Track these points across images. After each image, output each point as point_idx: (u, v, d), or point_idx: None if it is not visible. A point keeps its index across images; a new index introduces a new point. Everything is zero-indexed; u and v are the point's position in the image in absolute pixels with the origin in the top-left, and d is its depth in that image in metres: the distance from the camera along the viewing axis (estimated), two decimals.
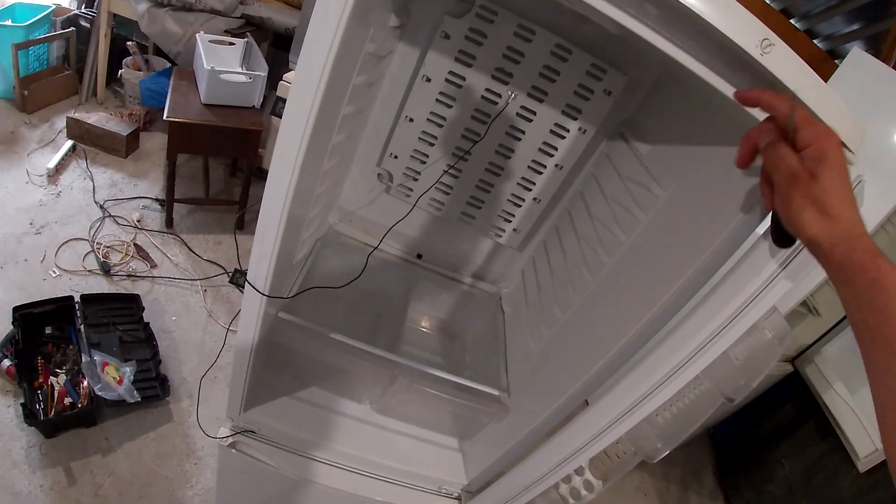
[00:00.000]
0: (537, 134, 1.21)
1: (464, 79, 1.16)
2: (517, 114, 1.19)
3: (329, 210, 1.37)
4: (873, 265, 0.48)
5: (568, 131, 1.21)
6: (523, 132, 1.21)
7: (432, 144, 1.25)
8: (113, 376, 1.74)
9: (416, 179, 1.30)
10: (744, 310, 0.73)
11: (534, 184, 1.28)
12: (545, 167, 1.26)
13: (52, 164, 2.23)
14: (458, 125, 1.21)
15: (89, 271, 2.01)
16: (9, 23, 2.35)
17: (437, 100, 1.19)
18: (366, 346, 1.18)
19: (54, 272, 1.98)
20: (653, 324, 0.87)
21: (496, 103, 1.18)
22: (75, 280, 1.98)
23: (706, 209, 0.85)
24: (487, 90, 1.17)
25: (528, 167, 1.26)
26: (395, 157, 1.27)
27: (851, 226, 0.51)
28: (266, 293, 0.95)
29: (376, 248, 1.29)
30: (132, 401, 1.71)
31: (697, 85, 0.68)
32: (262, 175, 2.29)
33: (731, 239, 0.77)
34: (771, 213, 0.63)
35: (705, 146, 0.92)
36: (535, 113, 1.19)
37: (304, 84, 0.70)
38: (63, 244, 2.05)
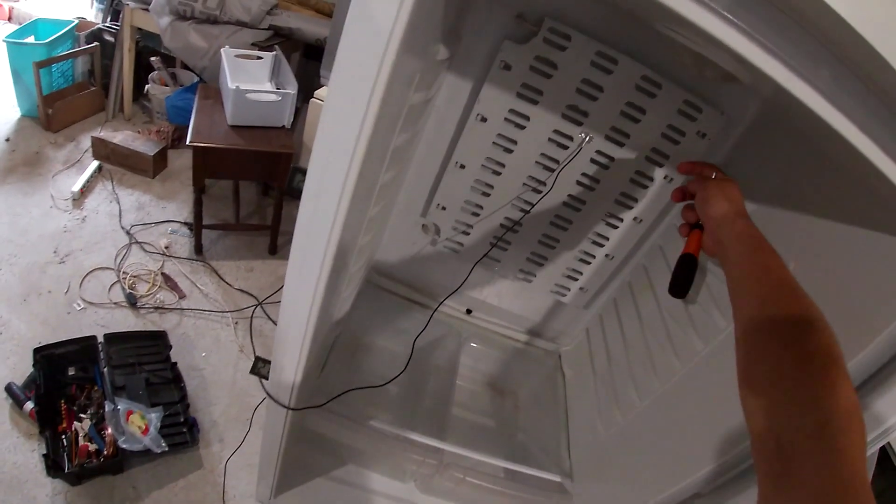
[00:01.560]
0: (615, 183, 0.95)
1: (527, 118, 0.90)
2: (592, 160, 0.94)
3: (370, 263, 1.14)
4: (754, 228, 0.64)
5: (652, 180, 0.95)
6: (598, 181, 0.96)
7: (487, 195, 1.00)
8: (138, 425, 1.56)
9: (467, 234, 1.05)
10: None
11: (607, 239, 1.03)
12: (622, 220, 1.00)
13: (76, 186, 2.04)
14: (519, 173, 0.96)
15: (115, 304, 1.82)
16: (31, 40, 2.16)
17: (494, 143, 0.94)
18: (408, 433, 0.96)
19: (79, 305, 1.80)
20: None
21: (566, 147, 0.92)
22: (100, 314, 1.80)
23: (841, 307, 0.60)
24: (556, 132, 0.91)
25: (602, 221, 1.00)
26: (443, 208, 1.03)
27: (741, 208, 0.69)
28: (291, 406, 0.73)
29: (435, 310, 1.06)
30: (159, 451, 1.52)
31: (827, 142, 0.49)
32: (295, 194, 2.07)
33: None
34: (675, 266, 0.76)
35: (832, 221, 0.66)
36: (612, 159, 0.93)
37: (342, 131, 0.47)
38: (88, 274, 1.87)
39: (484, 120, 0.91)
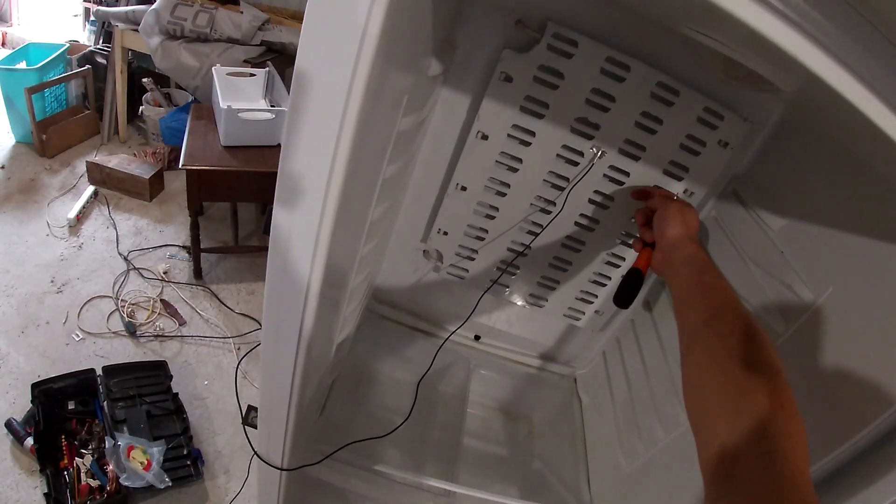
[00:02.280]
0: (631, 200, 0.85)
1: (533, 134, 0.80)
2: (605, 175, 0.83)
3: (368, 293, 1.04)
4: (704, 252, 0.67)
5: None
6: (612, 199, 0.86)
7: (492, 218, 0.90)
8: (140, 461, 1.47)
9: (471, 259, 0.95)
10: None
11: (623, 259, 0.93)
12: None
13: (72, 213, 1.96)
14: (526, 193, 0.86)
15: (114, 333, 1.74)
16: (22, 65, 2.08)
17: (497, 162, 0.84)
18: (416, 476, 0.86)
19: (77, 335, 1.71)
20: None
21: (577, 163, 0.82)
22: (100, 344, 1.71)
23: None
24: (565, 147, 0.81)
25: (617, 240, 0.90)
26: (445, 233, 0.93)
27: (694, 233, 0.72)
28: (284, 467, 0.64)
29: (440, 347, 0.96)
30: (162, 486, 1.44)
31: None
32: None
33: None
34: (623, 279, 0.81)
35: (883, 242, 0.55)
36: (628, 174, 0.83)
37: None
38: (86, 303, 1.79)
39: (485, 138, 0.81)
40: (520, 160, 0.83)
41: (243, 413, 0.74)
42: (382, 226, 0.70)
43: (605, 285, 0.96)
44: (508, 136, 0.81)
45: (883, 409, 0.50)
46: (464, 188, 0.87)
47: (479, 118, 0.80)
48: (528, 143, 0.81)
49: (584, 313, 1.00)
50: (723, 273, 0.62)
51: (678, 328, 0.58)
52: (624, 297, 0.79)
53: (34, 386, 1.51)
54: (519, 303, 1.01)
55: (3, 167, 2.11)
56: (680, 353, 0.55)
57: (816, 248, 0.64)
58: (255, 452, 0.65)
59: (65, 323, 1.74)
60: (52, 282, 1.83)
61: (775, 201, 0.74)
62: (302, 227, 0.39)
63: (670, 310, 0.90)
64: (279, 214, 0.39)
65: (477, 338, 1.12)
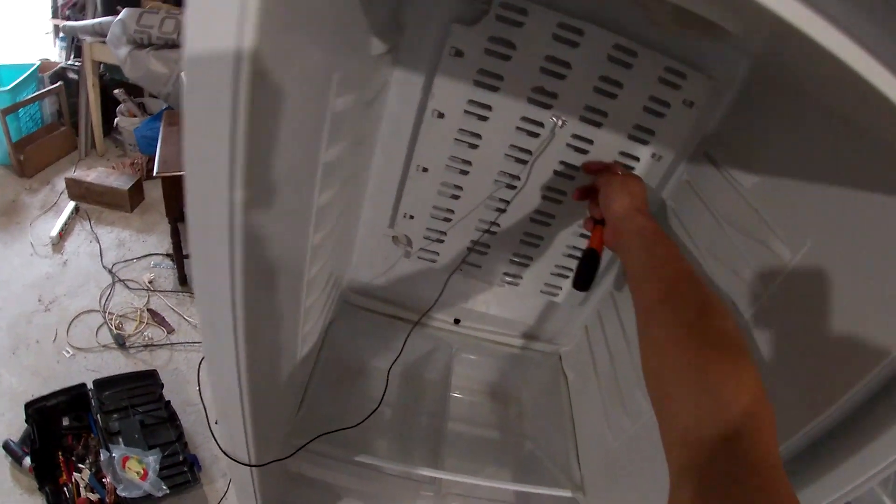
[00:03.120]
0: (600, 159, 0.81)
1: (489, 108, 0.76)
2: (568, 145, 0.79)
3: (338, 286, 1.00)
4: (653, 223, 0.63)
5: (638, 160, 0.81)
6: (577, 169, 0.81)
7: (457, 198, 0.86)
8: (136, 471, 1.44)
9: (441, 241, 0.91)
10: None
11: None
12: None
13: (55, 231, 1.91)
14: (488, 170, 0.82)
15: (104, 346, 1.70)
16: None
17: (456, 140, 0.79)
18: (399, 464, 0.83)
19: (68, 352, 1.68)
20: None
21: (538, 135, 0.78)
22: (90, 358, 1.67)
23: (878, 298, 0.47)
24: (524, 119, 0.77)
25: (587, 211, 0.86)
26: (411, 217, 0.89)
27: (641, 204, 0.67)
28: (253, 462, 0.61)
29: (409, 333, 0.92)
30: (160, 494, 1.41)
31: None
32: None
33: None
34: (579, 261, 0.77)
35: (858, 191, 0.52)
36: (591, 142, 0.79)
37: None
38: (74, 319, 1.75)
39: (441, 116, 0.77)
40: (479, 136, 0.78)
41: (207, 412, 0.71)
42: (335, 212, 0.65)
43: (579, 258, 0.92)
44: (465, 112, 0.76)
45: (869, 366, 0.46)
46: (425, 169, 0.83)
47: (433, 96, 0.75)
48: (485, 118, 0.77)
49: (560, 288, 0.97)
50: (675, 242, 0.60)
51: (634, 305, 0.54)
52: (582, 279, 0.75)
53: (27, 405, 1.47)
54: (494, 283, 0.97)
55: None
56: (637, 331, 0.51)
57: (791, 203, 0.61)
58: (222, 450, 0.62)
59: (54, 340, 1.70)
60: (39, 301, 1.79)
61: (747, 160, 0.70)
62: (214, 214, 0.34)
63: None
64: (191, 200, 0.35)
65: (457, 321, 1.08)
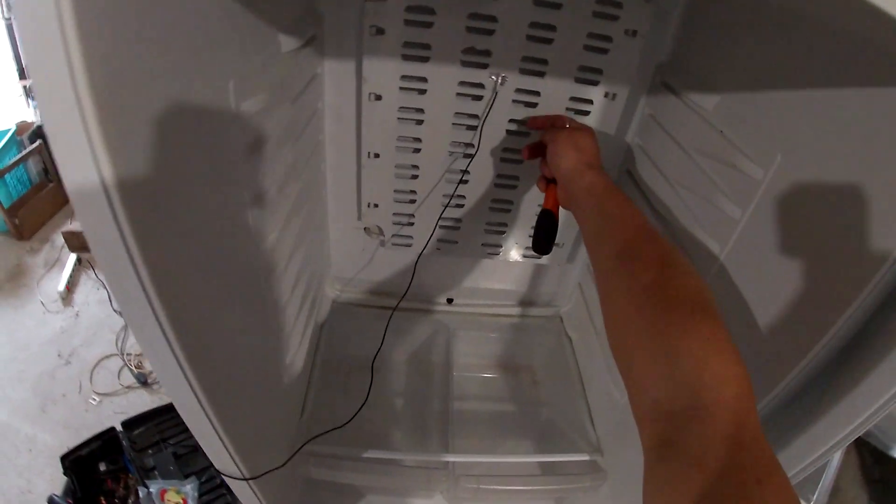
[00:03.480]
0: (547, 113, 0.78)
1: (425, 79, 0.74)
2: (515, 101, 0.77)
3: (321, 286, 1.00)
4: (604, 177, 0.59)
5: (591, 102, 0.78)
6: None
7: (416, 177, 0.84)
8: (176, 501, 1.48)
9: (411, 224, 0.90)
10: None
11: None
12: None
13: (61, 285, 1.96)
14: (440, 143, 0.80)
15: (127, 387, 1.74)
16: None
17: (399, 119, 0.78)
18: (406, 454, 0.83)
19: (94, 399, 1.72)
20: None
21: (481, 97, 0.76)
22: (116, 401, 1.72)
23: (854, 201, 0.43)
24: (463, 83, 0.75)
25: None
26: (376, 205, 0.87)
27: (591, 158, 0.64)
28: (247, 476, 0.61)
29: (389, 321, 0.91)
30: None
31: None
32: None
33: None
34: (536, 223, 0.72)
35: (821, 90, 0.48)
36: (538, 93, 0.76)
37: None
38: (95, 366, 1.79)
39: (379, 98, 0.75)
40: (421, 111, 0.76)
41: None
42: (283, 213, 0.64)
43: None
44: (401, 89, 0.74)
45: (860, 283, 0.42)
46: (377, 155, 0.81)
47: (366, 80, 0.74)
48: (423, 91, 0.74)
49: None
50: (628, 196, 0.55)
51: (593, 268, 0.51)
52: (540, 242, 0.71)
53: (63, 458, 1.51)
54: (475, 256, 0.95)
55: None
56: (599, 296, 0.48)
57: (754, 118, 0.57)
58: (214, 467, 0.62)
59: (80, 391, 1.75)
60: (59, 355, 1.83)
61: (705, 81, 0.67)
62: (105, 238, 0.33)
63: None
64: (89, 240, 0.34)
65: (450, 301, 1.07)
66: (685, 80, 0.72)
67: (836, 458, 0.91)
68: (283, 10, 0.59)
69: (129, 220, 0.31)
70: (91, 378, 1.76)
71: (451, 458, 0.81)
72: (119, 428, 1.59)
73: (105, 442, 1.58)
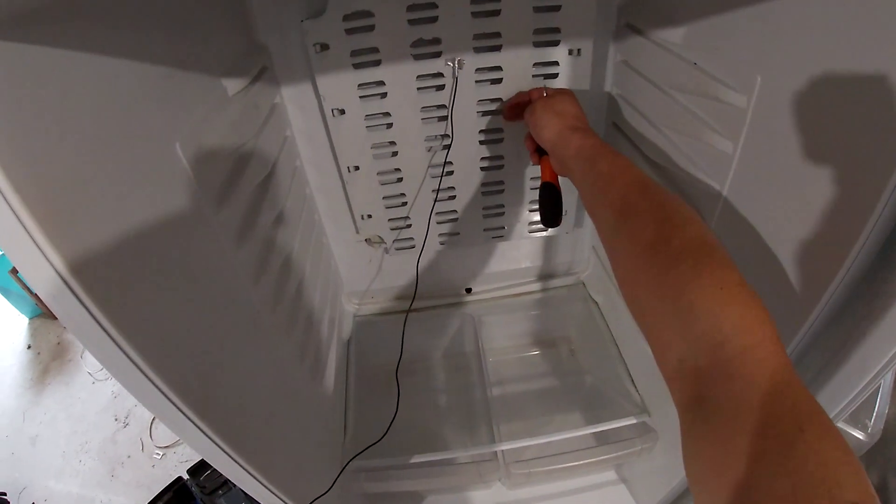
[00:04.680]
0: (518, 90, 0.77)
1: (382, 83, 0.74)
2: (478, 82, 0.76)
3: (338, 305, 1.02)
4: (591, 138, 0.58)
5: (557, 64, 0.77)
6: (500, 99, 0.78)
7: (400, 180, 0.85)
8: None
9: (409, 226, 0.91)
10: None
11: None
12: None
13: None
14: (415, 141, 0.81)
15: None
16: None
17: (368, 128, 0.78)
18: (452, 452, 0.84)
19: (158, 454, 1.81)
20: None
21: (443, 86, 0.75)
22: (179, 451, 1.80)
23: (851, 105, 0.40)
24: (421, 77, 0.75)
25: None
26: (369, 216, 0.89)
27: (573, 121, 0.62)
28: None
29: (404, 330, 0.92)
30: None
31: None
32: None
33: None
34: (539, 196, 0.71)
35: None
36: (500, 68, 0.76)
37: None
38: (152, 422, 1.88)
39: (342, 112, 0.76)
40: (388, 114, 0.77)
41: None
42: (271, 246, 0.66)
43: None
44: (361, 98, 0.75)
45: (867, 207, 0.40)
46: (356, 168, 0.82)
47: (325, 97, 0.74)
48: (384, 95, 0.75)
49: None
50: (618, 152, 0.54)
51: (597, 232, 0.51)
52: (548, 214, 0.70)
53: None
54: (480, 243, 0.96)
55: (29, 347, 2.22)
56: (608, 259, 0.48)
57: (725, 42, 0.55)
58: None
59: (143, 449, 1.84)
60: (116, 419, 1.93)
61: (668, 14, 0.65)
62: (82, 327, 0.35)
63: None
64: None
65: (468, 290, 1.08)
66: (649, 18, 0.70)
67: (889, 378, 0.88)
68: (222, 54, 0.60)
69: (96, 305, 0.33)
70: (150, 434, 1.84)
71: (497, 448, 0.82)
72: (186, 476, 1.68)
73: (176, 492, 1.66)
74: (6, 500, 1.74)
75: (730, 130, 0.56)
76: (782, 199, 0.50)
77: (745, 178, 0.56)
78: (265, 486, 0.58)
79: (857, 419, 0.88)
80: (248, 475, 0.55)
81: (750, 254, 0.55)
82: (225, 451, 0.50)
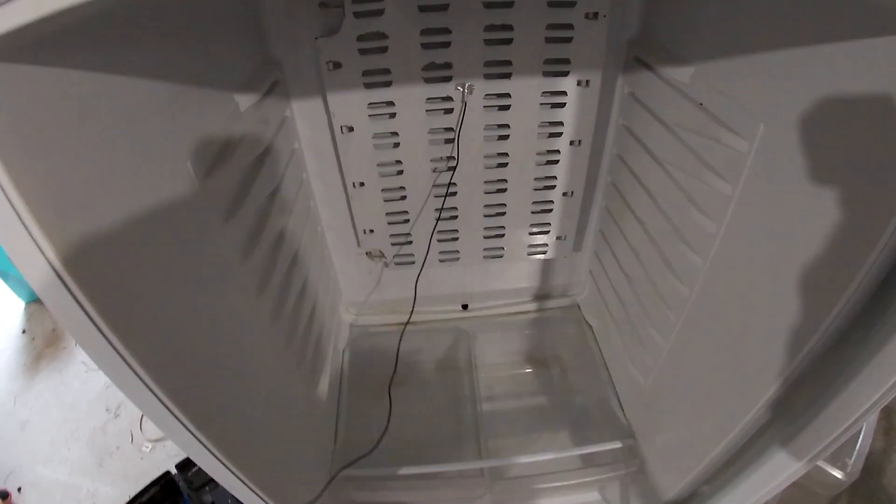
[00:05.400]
0: (525, 118, 0.80)
1: (392, 103, 0.76)
2: (486, 107, 0.78)
3: (334, 318, 1.03)
4: None
5: (565, 94, 0.79)
6: (507, 125, 0.80)
7: (404, 198, 0.87)
8: None
9: (410, 242, 0.93)
10: None
11: (554, 178, 0.87)
12: (559, 152, 0.84)
13: None
14: (420, 161, 0.83)
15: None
16: None
17: (375, 146, 0.80)
18: (438, 466, 0.86)
19: (147, 446, 1.82)
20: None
21: (451, 110, 0.77)
22: (169, 445, 1.82)
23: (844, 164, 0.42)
24: (430, 100, 0.77)
25: (537, 163, 0.85)
26: (372, 231, 0.91)
27: None
28: None
29: (402, 334, 0.94)
30: None
31: None
32: None
33: None
34: None
35: (790, 48, 0.47)
36: (508, 95, 0.78)
37: None
38: (143, 415, 1.88)
39: (351, 129, 0.78)
40: (396, 134, 0.79)
41: None
42: (275, 254, 0.68)
43: (550, 210, 0.91)
44: (370, 117, 0.77)
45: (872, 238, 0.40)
46: (362, 184, 0.84)
47: (334, 114, 0.76)
48: (393, 115, 0.77)
49: (546, 244, 0.96)
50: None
51: None
52: None
53: None
54: (478, 263, 0.97)
55: (24, 331, 2.24)
56: None
57: (732, 87, 0.57)
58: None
59: (132, 441, 1.85)
60: (107, 410, 1.95)
61: (679, 53, 0.67)
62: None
63: (627, 208, 0.84)
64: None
65: (465, 307, 1.10)
66: (658, 54, 0.72)
67: (872, 419, 0.90)
68: (236, 69, 0.62)
69: (88, 299, 0.35)
70: (141, 427, 1.86)
71: (483, 465, 0.84)
72: (174, 471, 1.69)
73: (163, 486, 1.68)
74: None
75: (730, 173, 0.58)
76: (776, 247, 0.51)
77: (742, 223, 0.58)
78: (251, 489, 0.60)
79: (837, 458, 0.90)
80: (234, 477, 0.57)
81: (743, 294, 0.56)
82: (210, 451, 0.52)
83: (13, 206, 0.31)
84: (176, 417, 0.46)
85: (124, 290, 0.40)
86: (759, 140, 0.52)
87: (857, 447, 0.93)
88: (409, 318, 0.88)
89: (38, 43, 0.31)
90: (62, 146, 0.35)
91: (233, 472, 0.56)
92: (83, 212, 0.36)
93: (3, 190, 0.30)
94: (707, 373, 0.66)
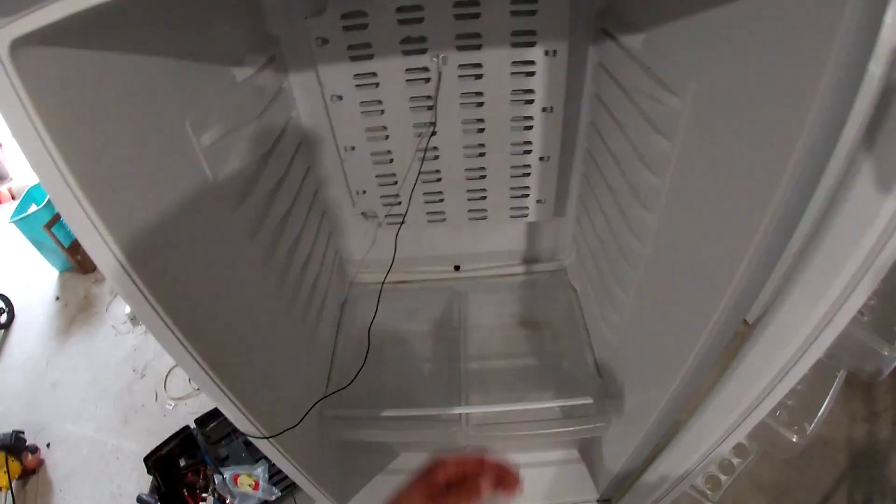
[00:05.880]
0: (498, 86, 0.88)
1: (375, 74, 0.86)
2: (460, 76, 0.87)
3: (335, 274, 1.14)
4: None
5: (534, 63, 0.87)
6: (481, 93, 0.89)
7: (391, 161, 0.96)
8: (248, 484, 1.70)
9: (399, 203, 1.02)
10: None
11: (530, 143, 0.96)
12: (532, 118, 0.92)
13: (128, 309, 2.23)
14: (404, 127, 0.92)
15: (198, 389, 1.97)
16: (33, 208, 2.36)
17: (363, 113, 0.90)
18: (422, 410, 0.95)
19: (170, 405, 1.98)
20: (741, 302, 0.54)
21: (429, 79, 0.86)
22: (190, 403, 1.98)
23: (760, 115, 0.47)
24: (409, 70, 0.86)
25: (512, 128, 0.93)
26: (364, 192, 1.01)
27: None
28: (266, 434, 0.76)
29: (380, 293, 1.04)
30: (273, 497, 1.66)
31: None
32: None
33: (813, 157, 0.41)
34: None
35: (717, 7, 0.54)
36: (480, 65, 0.86)
37: None
38: (167, 375, 2.05)
39: (340, 98, 0.88)
40: (380, 101, 0.88)
41: None
42: (272, 208, 0.78)
43: (529, 174, 0.99)
44: (357, 86, 0.86)
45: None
46: (352, 148, 0.94)
47: (324, 85, 0.86)
48: (376, 84, 0.86)
49: (527, 207, 1.05)
50: None
51: None
52: None
53: (146, 459, 1.76)
54: (463, 223, 1.06)
55: (57, 298, 2.43)
56: None
57: (672, 50, 0.63)
58: (236, 428, 0.75)
59: (156, 399, 2.01)
60: (134, 371, 2.11)
61: (634, 21, 0.74)
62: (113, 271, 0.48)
63: (598, 173, 0.90)
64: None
65: (457, 268, 1.19)
66: (619, 24, 0.79)
67: (835, 387, 0.94)
68: (235, 45, 0.72)
69: (121, 251, 0.46)
70: (165, 386, 2.02)
71: (460, 410, 0.93)
72: (193, 426, 1.84)
73: (182, 440, 1.83)
74: (23, 437, 1.91)
75: (669, 131, 0.65)
76: (713, 196, 0.56)
77: (683, 177, 0.64)
78: (241, 412, 0.70)
79: (795, 421, 0.94)
80: (227, 398, 0.68)
81: (688, 248, 0.63)
82: (212, 379, 0.63)
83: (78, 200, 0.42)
84: (185, 347, 0.57)
85: (149, 240, 0.50)
86: (692, 97, 0.58)
87: (819, 413, 0.96)
88: (387, 275, 0.98)
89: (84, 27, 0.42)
90: (105, 133, 0.46)
91: (224, 392, 0.67)
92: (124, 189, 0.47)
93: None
94: (661, 326, 0.73)
